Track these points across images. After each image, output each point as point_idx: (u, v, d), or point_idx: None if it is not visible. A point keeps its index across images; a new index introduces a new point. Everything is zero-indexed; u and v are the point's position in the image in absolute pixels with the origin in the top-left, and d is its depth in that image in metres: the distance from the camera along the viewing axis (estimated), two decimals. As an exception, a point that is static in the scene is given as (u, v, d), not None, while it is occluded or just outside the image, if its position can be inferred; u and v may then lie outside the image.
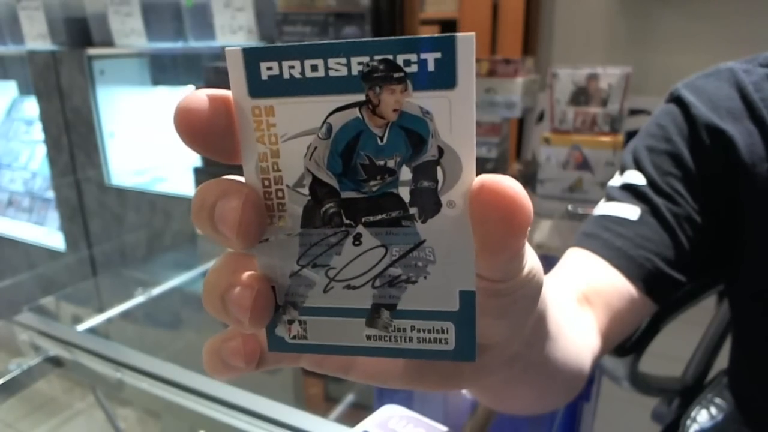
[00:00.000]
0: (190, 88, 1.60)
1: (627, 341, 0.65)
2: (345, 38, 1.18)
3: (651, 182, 0.48)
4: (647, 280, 0.45)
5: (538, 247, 1.15)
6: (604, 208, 0.49)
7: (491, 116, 1.35)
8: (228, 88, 0.19)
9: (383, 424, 0.41)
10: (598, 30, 1.41)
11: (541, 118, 1.41)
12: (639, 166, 0.49)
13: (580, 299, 0.44)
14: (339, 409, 0.92)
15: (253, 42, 1.22)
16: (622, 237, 0.47)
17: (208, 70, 1.00)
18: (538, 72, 1.43)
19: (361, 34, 1.23)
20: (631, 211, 0.47)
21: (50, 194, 1.89)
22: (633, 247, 0.46)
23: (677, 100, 0.50)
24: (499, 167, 1.37)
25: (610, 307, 0.44)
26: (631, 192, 0.49)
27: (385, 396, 0.89)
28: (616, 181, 0.51)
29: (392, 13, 1.44)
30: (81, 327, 0.67)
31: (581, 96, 1.16)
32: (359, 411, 0.98)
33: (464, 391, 0.81)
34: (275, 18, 1.18)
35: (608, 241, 0.47)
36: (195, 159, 1.36)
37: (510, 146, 1.46)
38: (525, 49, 1.48)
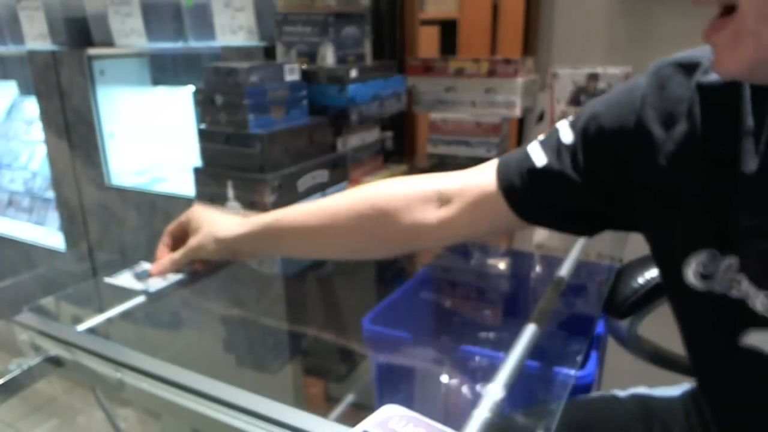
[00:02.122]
0: (190, 88, 1.59)
1: (623, 304, 0.78)
2: (345, 38, 1.18)
3: (572, 145, 0.55)
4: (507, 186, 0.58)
5: (537, 247, 1.15)
6: (533, 143, 0.58)
7: (491, 116, 1.35)
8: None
9: (383, 424, 0.41)
10: (598, 30, 1.41)
11: (541, 118, 1.40)
12: (575, 126, 0.56)
13: (449, 192, 0.61)
14: (339, 409, 0.92)
15: (253, 42, 1.22)
16: (519, 170, 0.57)
17: (208, 70, 1.00)
18: (538, 72, 1.43)
19: (361, 34, 1.23)
20: (540, 158, 0.56)
21: (50, 194, 1.89)
22: (517, 176, 0.57)
23: (652, 78, 0.51)
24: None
25: (472, 202, 0.59)
26: (555, 142, 0.56)
27: (385, 396, 0.89)
28: (563, 125, 0.57)
29: (392, 14, 1.44)
30: (81, 327, 0.67)
31: (581, 96, 1.16)
32: (359, 411, 0.98)
33: (464, 391, 0.81)
34: (275, 18, 1.18)
35: (508, 167, 0.58)
36: (195, 159, 1.36)
37: (510, 146, 1.45)
38: (525, 49, 1.48)
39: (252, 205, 0.98)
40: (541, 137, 0.59)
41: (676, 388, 0.74)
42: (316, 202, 0.68)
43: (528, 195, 0.57)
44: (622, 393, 0.76)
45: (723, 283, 0.46)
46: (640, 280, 0.78)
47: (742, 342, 0.45)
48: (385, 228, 0.63)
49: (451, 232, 0.62)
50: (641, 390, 0.76)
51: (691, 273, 0.47)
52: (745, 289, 0.44)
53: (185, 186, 1.39)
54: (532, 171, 0.56)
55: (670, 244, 0.49)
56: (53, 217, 1.92)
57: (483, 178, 0.60)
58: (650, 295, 0.77)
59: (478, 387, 0.80)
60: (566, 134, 0.56)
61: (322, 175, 1.10)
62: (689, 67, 0.49)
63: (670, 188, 0.48)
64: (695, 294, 0.48)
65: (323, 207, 0.67)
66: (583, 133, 0.54)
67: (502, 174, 0.59)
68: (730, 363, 0.48)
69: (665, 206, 0.49)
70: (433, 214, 0.61)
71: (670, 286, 0.53)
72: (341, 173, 1.15)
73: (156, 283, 0.74)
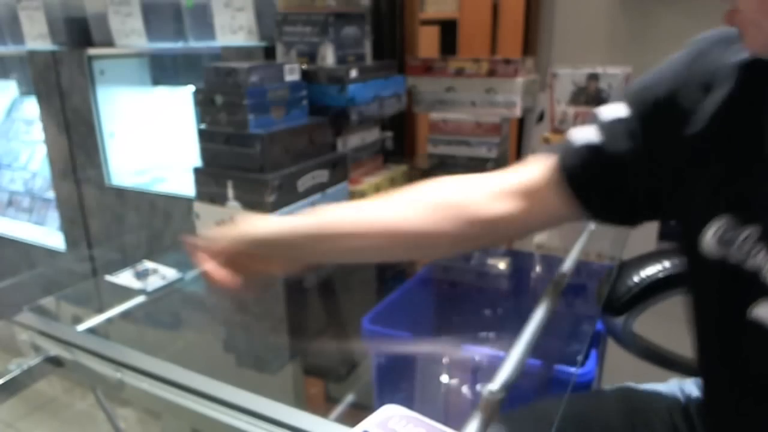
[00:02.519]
0: (190, 88, 1.59)
1: (617, 301, 0.80)
2: (345, 38, 1.18)
3: (626, 119, 0.55)
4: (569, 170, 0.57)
5: (538, 247, 1.15)
6: (586, 127, 0.58)
7: (491, 116, 1.35)
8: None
9: (383, 424, 0.41)
10: (598, 30, 1.41)
11: (541, 118, 1.41)
12: (626, 99, 0.56)
13: (508, 191, 0.61)
14: (339, 409, 0.92)
15: (253, 42, 1.22)
16: (576, 153, 0.57)
17: (208, 70, 1.00)
18: (538, 72, 1.43)
19: (361, 34, 1.23)
20: (595, 137, 0.56)
21: (50, 194, 1.89)
22: (577, 159, 0.56)
23: (692, 49, 0.53)
24: (499, 167, 1.36)
25: (536, 193, 0.59)
26: (606, 122, 0.56)
27: (385, 396, 0.89)
28: (612, 104, 0.57)
29: (392, 14, 1.44)
30: (81, 327, 0.67)
31: (581, 96, 1.16)
32: (359, 411, 0.98)
33: (464, 391, 0.81)
34: (275, 18, 1.18)
35: (566, 154, 0.58)
36: (195, 159, 1.36)
37: (510, 146, 1.45)
38: (525, 49, 1.48)
39: (252, 205, 0.98)
40: (589, 122, 0.59)
41: (662, 384, 0.74)
42: (365, 204, 0.65)
43: (587, 176, 0.57)
44: (607, 388, 0.76)
45: (740, 253, 0.46)
46: (635, 278, 0.80)
47: (751, 315, 0.45)
48: (458, 224, 0.61)
49: (516, 226, 0.62)
50: (627, 386, 0.76)
51: (708, 239, 0.48)
52: (760, 260, 0.45)
53: (185, 186, 1.39)
54: (591, 148, 0.56)
55: (691, 210, 0.50)
56: (53, 217, 1.92)
57: (541, 170, 0.60)
58: (645, 292, 0.79)
59: (478, 387, 0.80)
60: (616, 110, 0.56)
61: (322, 175, 1.10)
62: (727, 42, 0.51)
63: (700, 154, 0.49)
64: (709, 264, 0.48)
65: (383, 207, 0.63)
66: (637, 106, 0.55)
67: (563, 161, 0.58)
68: (736, 338, 0.48)
69: (693, 170, 0.50)
70: (503, 208, 0.61)
71: (687, 260, 0.54)
72: (341, 173, 1.15)
73: (154, 282, 0.74)
